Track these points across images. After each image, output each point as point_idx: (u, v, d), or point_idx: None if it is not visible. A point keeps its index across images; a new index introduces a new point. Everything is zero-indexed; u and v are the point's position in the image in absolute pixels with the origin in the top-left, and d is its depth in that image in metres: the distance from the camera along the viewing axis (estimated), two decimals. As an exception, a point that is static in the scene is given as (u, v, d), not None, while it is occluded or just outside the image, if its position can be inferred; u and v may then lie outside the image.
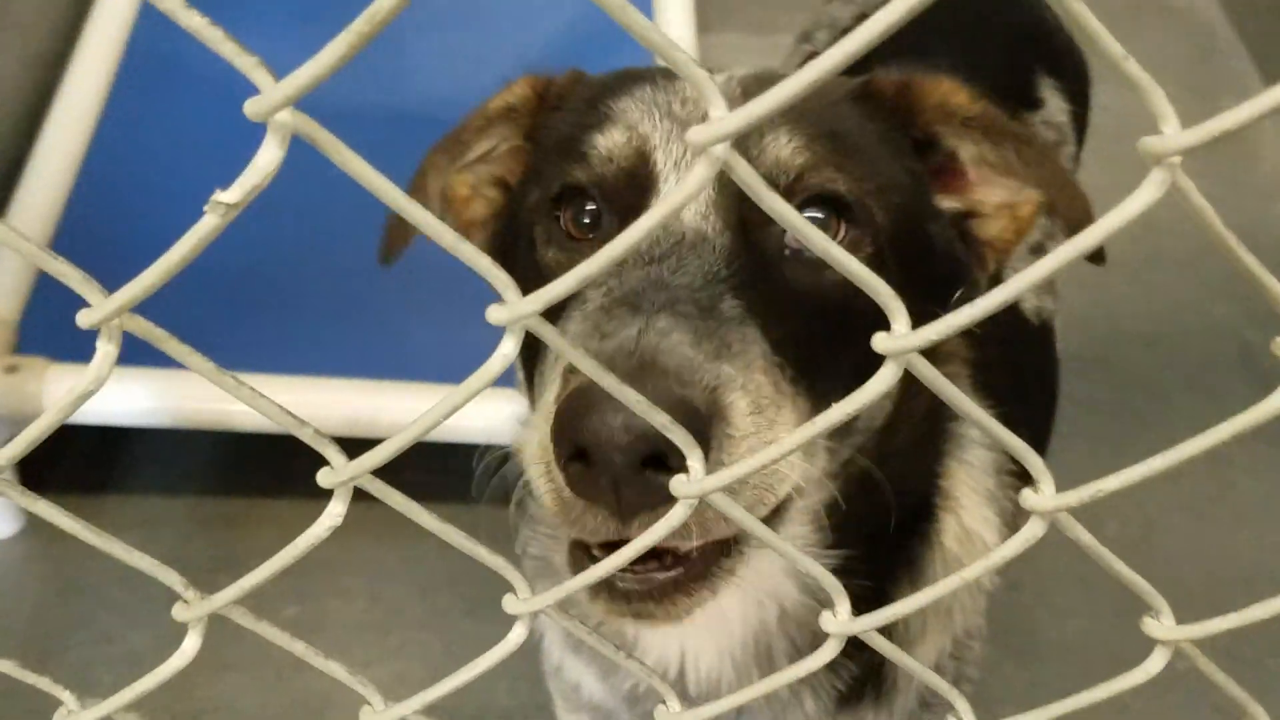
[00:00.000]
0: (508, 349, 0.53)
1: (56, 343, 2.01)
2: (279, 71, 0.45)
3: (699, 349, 0.77)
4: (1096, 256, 0.96)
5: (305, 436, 0.58)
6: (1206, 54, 3.17)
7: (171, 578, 0.66)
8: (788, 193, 0.91)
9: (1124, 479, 0.55)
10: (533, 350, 0.95)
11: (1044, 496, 0.57)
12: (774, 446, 0.56)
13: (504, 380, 0.58)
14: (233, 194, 0.47)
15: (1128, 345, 2.53)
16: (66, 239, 2.18)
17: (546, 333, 0.52)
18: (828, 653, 0.64)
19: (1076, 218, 0.97)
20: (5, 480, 0.60)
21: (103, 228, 2.21)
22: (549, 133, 1.03)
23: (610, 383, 0.54)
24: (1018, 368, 1.36)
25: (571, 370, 0.76)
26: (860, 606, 0.66)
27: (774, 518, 0.86)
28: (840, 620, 0.62)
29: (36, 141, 2.32)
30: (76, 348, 1.96)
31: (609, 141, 0.94)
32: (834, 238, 0.90)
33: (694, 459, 0.56)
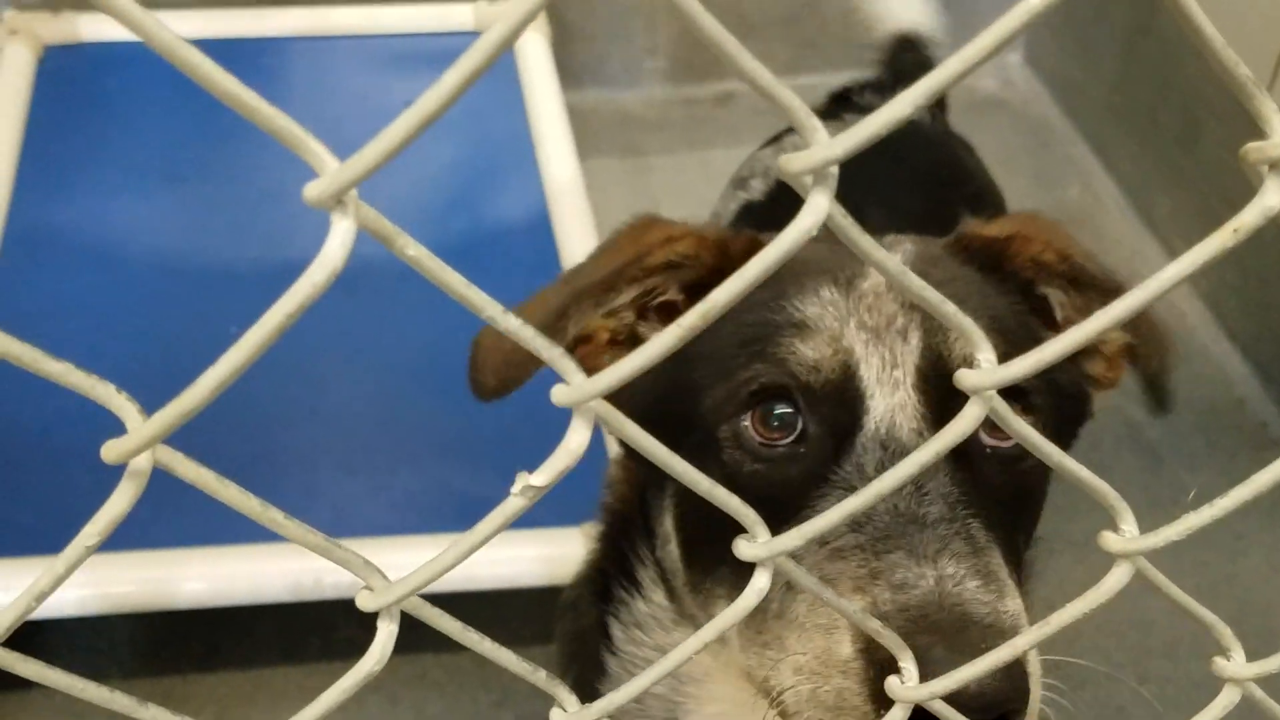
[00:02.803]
0: (761, 584, 0.55)
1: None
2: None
3: (989, 590, 0.81)
4: (1167, 405, 1.05)
5: (539, 681, 0.59)
6: (1046, 145, 3.39)
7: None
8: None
9: (1208, 515, 0.55)
10: (708, 528, 0.96)
11: (1126, 538, 0.55)
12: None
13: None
14: (540, 478, 0.49)
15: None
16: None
17: (800, 576, 0.55)
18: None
19: (1155, 367, 1.04)
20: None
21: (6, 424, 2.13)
22: (725, 315, 1.02)
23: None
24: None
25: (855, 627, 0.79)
26: None
27: None
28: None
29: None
30: None
31: (815, 354, 0.95)
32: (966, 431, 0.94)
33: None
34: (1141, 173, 3.12)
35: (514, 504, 0.49)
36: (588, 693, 1.21)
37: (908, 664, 0.65)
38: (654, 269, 1.04)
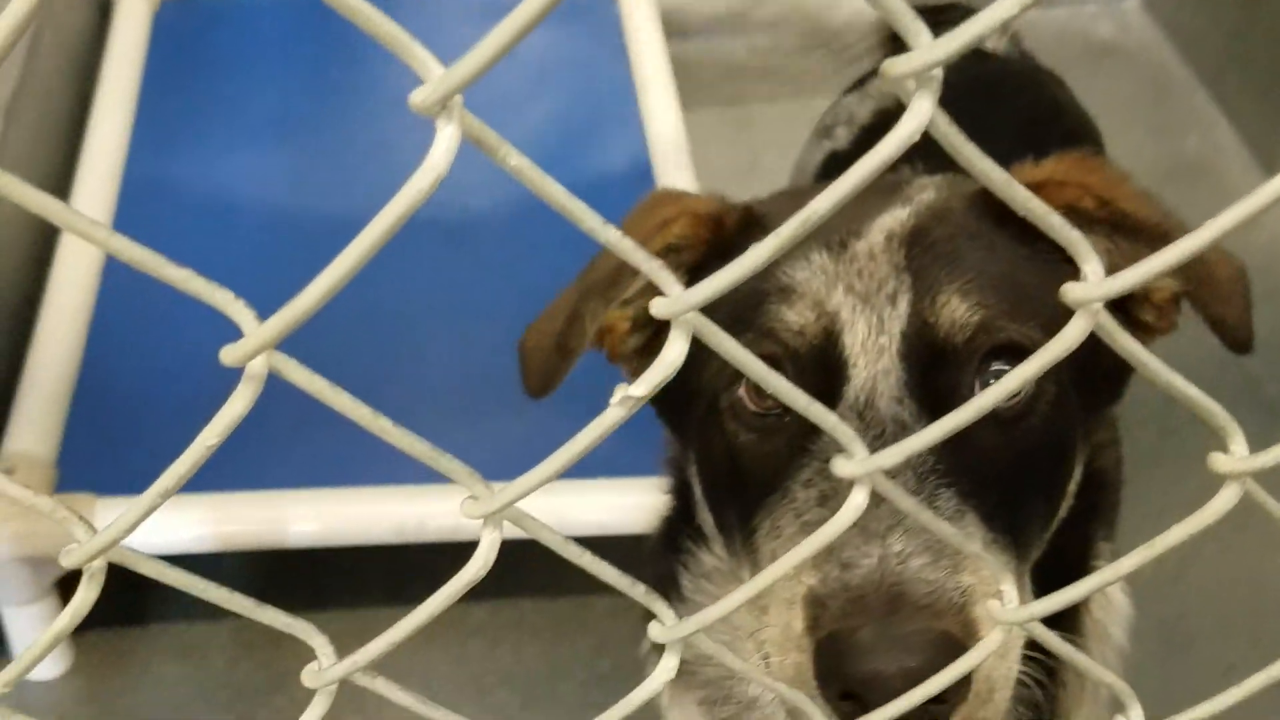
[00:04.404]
0: (860, 500, 0.55)
1: (97, 477, 1.99)
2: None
3: (939, 567, 0.80)
4: (1242, 348, 1.00)
5: (637, 595, 0.60)
6: (1163, 94, 3.29)
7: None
8: (968, 350, 0.92)
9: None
10: (722, 495, 0.98)
11: (1236, 458, 0.53)
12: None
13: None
14: (640, 389, 0.49)
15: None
16: (88, 377, 2.16)
17: (896, 495, 0.54)
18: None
19: (1217, 311, 0.98)
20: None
21: (123, 365, 2.20)
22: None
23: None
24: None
25: (813, 601, 0.80)
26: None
27: None
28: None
29: (46, 286, 2.30)
30: (119, 481, 1.97)
31: (799, 319, 0.94)
32: (1020, 388, 0.90)
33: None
34: (1264, 122, 3.01)
35: (613, 414, 0.49)
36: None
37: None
38: (655, 255, 1.04)
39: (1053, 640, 0.69)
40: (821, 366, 0.93)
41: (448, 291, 2.43)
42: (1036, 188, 0.98)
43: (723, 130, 3.18)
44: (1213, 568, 2.34)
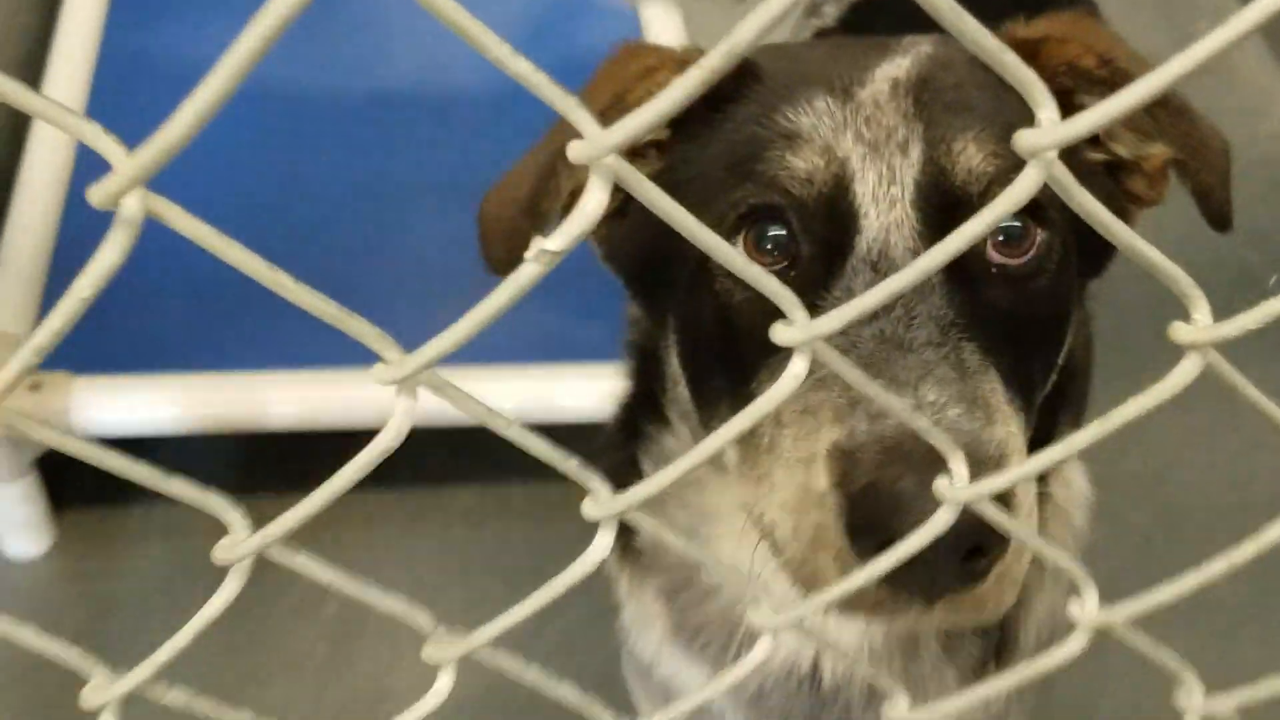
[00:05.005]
0: (799, 369, 0.52)
1: (75, 356, 1.97)
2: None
3: (974, 417, 0.77)
4: (1223, 224, 0.97)
5: (570, 470, 0.57)
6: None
7: (421, 618, 0.63)
8: (982, 200, 0.88)
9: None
10: (710, 363, 0.94)
11: (1198, 327, 0.51)
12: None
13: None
14: (555, 242, 0.46)
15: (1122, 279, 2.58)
16: (64, 254, 2.13)
17: (840, 365, 0.52)
18: (1076, 644, 0.65)
19: (1206, 181, 0.95)
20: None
21: (100, 242, 2.16)
22: (712, 136, 0.96)
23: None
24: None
25: (839, 455, 0.76)
26: None
27: None
28: (1089, 612, 0.63)
29: (22, 158, 2.26)
30: (97, 360, 1.94)
31: (806, 164, 0.89)
32: (1032, 243, 0.89)
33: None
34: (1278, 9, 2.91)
35: (529, 270, 0.46)
36: (628, 542, 1.21)
37: (957, 465, 0.61)
38: (632, 105, 0.99)
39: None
40: (830, 217, 0.89)
41: (436, 170, 2.39)
42: (1035, 43, 0.95)
43: (721, 15, 3.09)
44: (1200, 469, 2.33)
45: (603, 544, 0.58)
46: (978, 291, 0.87)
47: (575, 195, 0.98)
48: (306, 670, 2.03)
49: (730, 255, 0.49)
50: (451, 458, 2.26)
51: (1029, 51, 0.93)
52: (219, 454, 2.26)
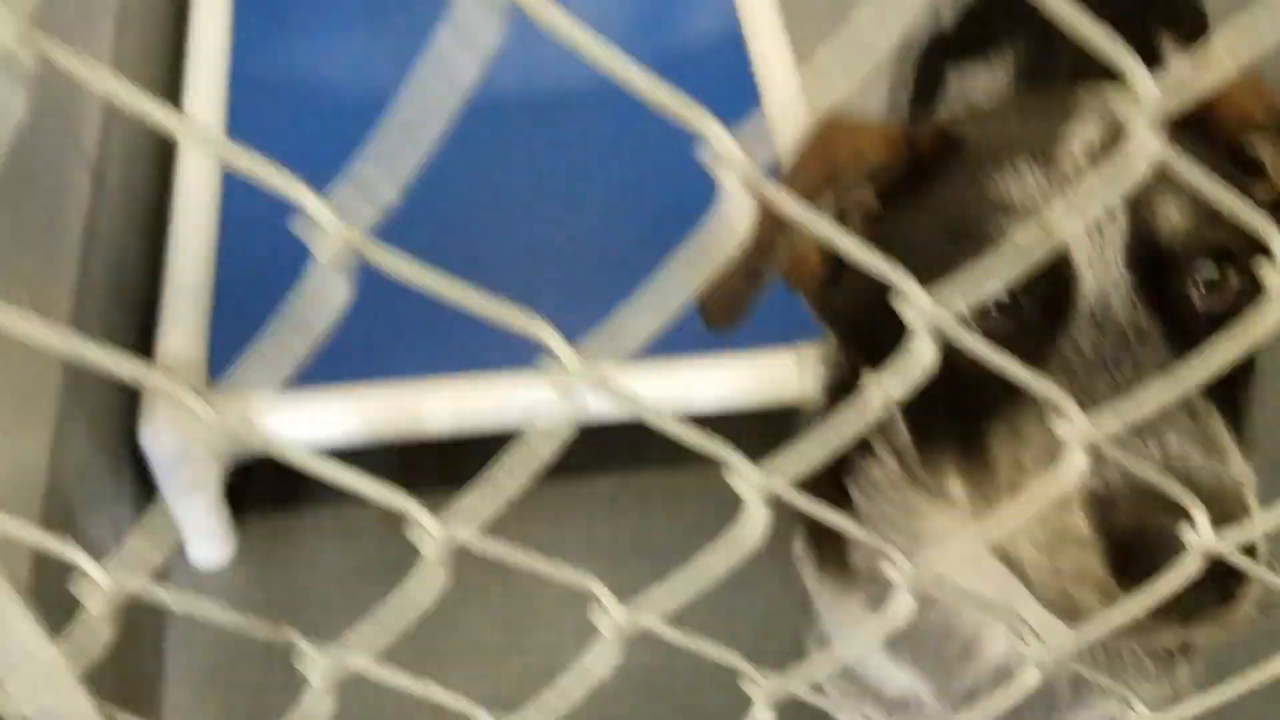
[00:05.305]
0: (1080, 464, 0.61)
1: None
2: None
3: (1212, 460, 0.85)
4: None
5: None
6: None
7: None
8: (1184, 255, 0.95)
9: None
10: (936, 411, 1.00)
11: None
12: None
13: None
14: (895, 387, 0.54)
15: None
16: (226, 278, 2.24)
17: (1119, 455, 0.60)
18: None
19: None
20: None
21: (258, 257, 2.26)
22: (921, 206, 1.03)
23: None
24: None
25: (1096, 502, 0.85)
26: None
27: None
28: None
29: (173, 186, 2.36)
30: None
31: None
32: (1232, 288, 0.96)
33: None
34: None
35: (873, 406, 0.54)
36: (834, 555, 1.28)
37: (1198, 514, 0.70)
38: (848, 183, 1.05)
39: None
40: (1051, 283, 0.95)
41: (546, 172, 2.45)
42: (1214, 98, 0.95)
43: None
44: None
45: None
46: (1190, 338, 0.94)
47: (794, 265, 1.08)
48: (482, 652, 2.16)
49: (986, 353, 0.57)
50: (593, 451, 2.33)
51: (1205, 105, 0.98)
52: (372, 456, 2.38)
